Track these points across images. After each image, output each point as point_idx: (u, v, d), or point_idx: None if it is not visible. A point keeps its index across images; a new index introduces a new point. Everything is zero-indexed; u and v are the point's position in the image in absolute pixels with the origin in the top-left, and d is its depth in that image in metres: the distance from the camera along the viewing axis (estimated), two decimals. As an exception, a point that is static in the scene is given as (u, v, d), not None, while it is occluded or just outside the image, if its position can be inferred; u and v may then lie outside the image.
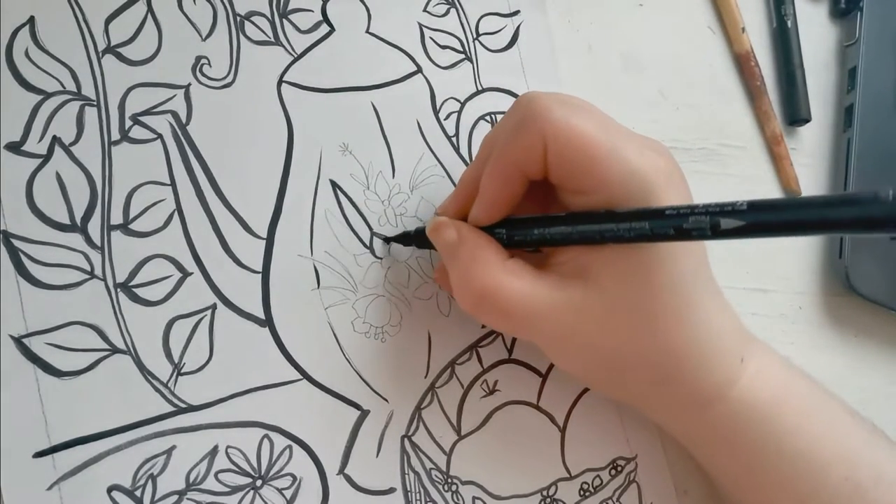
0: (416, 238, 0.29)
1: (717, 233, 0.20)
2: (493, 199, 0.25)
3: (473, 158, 0.32)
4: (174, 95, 0.29)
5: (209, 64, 0.29)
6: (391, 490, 0.29)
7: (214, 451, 0.27)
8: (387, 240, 0.30)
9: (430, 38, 0.33)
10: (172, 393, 0.27)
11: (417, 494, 0.29)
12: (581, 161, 0.23)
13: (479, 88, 0.33)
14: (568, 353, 0.26)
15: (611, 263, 0.24)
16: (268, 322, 0.28)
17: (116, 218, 0.27)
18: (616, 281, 0.24)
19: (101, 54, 0.28)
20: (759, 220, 0.20)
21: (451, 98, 0.32)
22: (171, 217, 0.28)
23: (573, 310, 0.24)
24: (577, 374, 0.29)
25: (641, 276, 0.23)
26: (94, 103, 0.28)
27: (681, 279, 0.24)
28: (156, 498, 0.26)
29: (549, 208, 0.27)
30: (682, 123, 0.36)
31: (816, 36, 0.39)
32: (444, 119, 0.32)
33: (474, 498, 0.30)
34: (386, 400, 0.29)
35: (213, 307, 0.28)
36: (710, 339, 0.25)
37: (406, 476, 0.29)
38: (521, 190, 0.25)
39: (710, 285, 0.26)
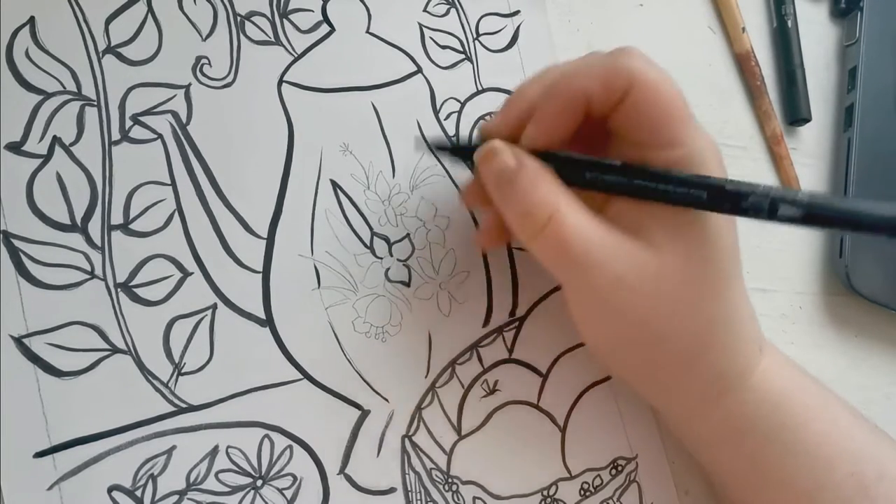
0: (459, 152, 0.28)
1: (773, 215, 0.22)
2: (551, 122, 0.25)
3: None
4: (174, 95, 0.29)
5: (209, 64, 0.29)
6: (392, 490, 0.29)
7: (215, 451, 0.27)
8: (429, 147, 0.29)
9: (430, 38, 0.33)
10: (173, 393, 0.27)
11: (418, 494, 0.29)
12: (661, 116, 0.23)
13: (480, 88, 0.33)
14: (605, 315, 0.25)
15: (666, 227, 0.24)
16: (268, 322, 0.28)
17: (117, 218, 0.27)
18: (671, 243, 0.24)
19: (101, 54, 0.28)
20: (816, 213, 0.21)
21: (452, 98, 0.32)
22: (171, 217, 0.28)
23: (626, 260, 0.24)
24: (604, 346, 0.27)
25: (696, 242, 0.24)
26: (95, 103, 0.28)
27: (725, 255, 0.25)
28: (156, 498, 0.26)
29: (594, 152, 0.26)
30: (682, 123, 0.36)
31: (816, 36, 0.40)
32: (445, 119, 0.32)
33: (475, 498, 0.30)
34: (386, 400, 0.29)
35: (214, 307, 0.28)
36: (739, 322, 0.26)
37: (406, 476, 0.29)
38: (578, 122, 0.25)
39: (739, 270, 0.26)
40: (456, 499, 0.30)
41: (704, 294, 0.24)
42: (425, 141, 0.30)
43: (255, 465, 0.27)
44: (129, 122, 0.28)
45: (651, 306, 0.24)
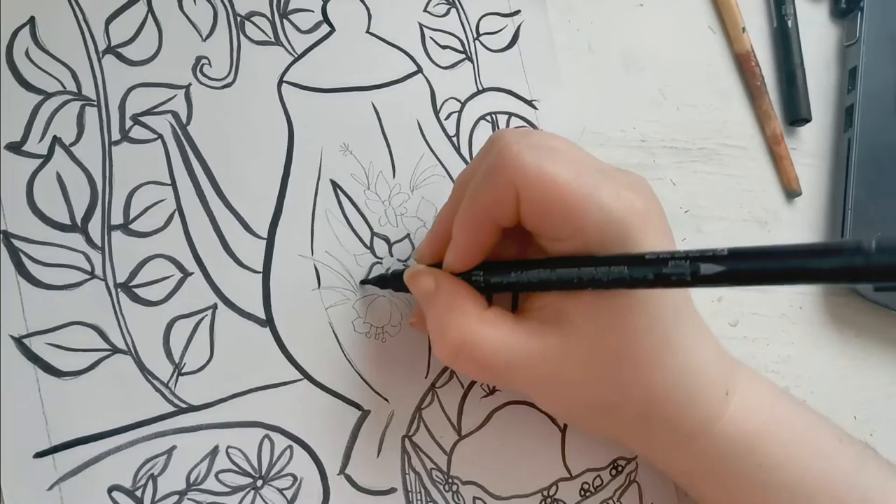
0: (393, 281, 0.29)
1: (697, 279, 0.20)
2: (465, 246, 0.25)
3: (469, 159, 0.32)
4: (174, 95, 0.28)
5: (209, 64, 0.29)
6: (392, 490, 0.29)
7: (215, 451, 0.27)
8: (362, 282, 0.30)
9: (431, 37, 0.33)
10: (173, 393, 0.27)
11: (418, 494, 0.29)
12: (555, 209, 0.22)
13: (480, 88, 0.33)
14: (551, 397, 0.26)
15: (588, 309, 0.23)
16: (268, 322, 0.28)
17: (117, 218, 0.27)
18: (594, 327, 0.23)
19: (101, 54, 0.28)
20: (739, 267, 0.19)
21: (452, 98, 0.32)
22: (171, 217, 0.28)
23: (552, 357, 0.24)
24: (562, 415, 0.29)
25: (619, 320, 0.23)
26: (95, 103, 0.28)
27: (661, 321, 0.23)
28: (156, 498, 0.26)
29: (528, 252, 0.27)
30: (682, 123, 0.36)
31: (817, 36, 0.40)
32: (445, 119, 0.32)
33: (475, 498, 0.30)
34: (386, 400, 0.29)
35: (214, 307, 0.28)
36: (693, 377, 0.25)
37: (407, 476, 0.29)
38: (494, 237, 0.25)
39: (692, 322, 0.25)
40: (456, 499, 0.30)
41: (640, 370, 0.24)
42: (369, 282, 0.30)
43: (256, 465, 0.27)
44: (129, 122, 0.28)
45: (589, 390, 0.24)
